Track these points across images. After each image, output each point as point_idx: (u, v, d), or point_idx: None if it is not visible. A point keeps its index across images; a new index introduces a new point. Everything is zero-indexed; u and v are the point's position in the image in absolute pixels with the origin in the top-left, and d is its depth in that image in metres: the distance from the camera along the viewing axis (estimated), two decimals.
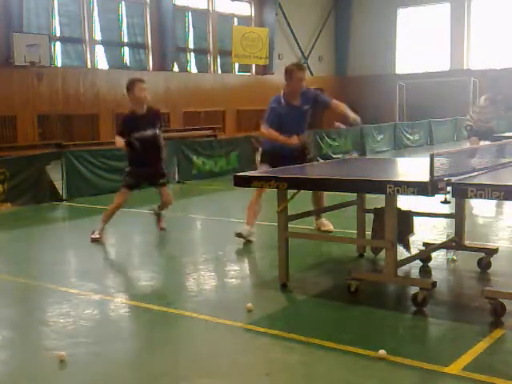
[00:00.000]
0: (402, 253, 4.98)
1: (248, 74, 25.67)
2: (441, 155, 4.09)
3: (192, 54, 23.37)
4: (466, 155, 5.14)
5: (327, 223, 6.74)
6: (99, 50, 20.30)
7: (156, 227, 7.23)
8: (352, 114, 6.25)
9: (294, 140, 6.18)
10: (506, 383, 3.13)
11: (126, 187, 6.84)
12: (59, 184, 9.99)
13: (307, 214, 5.53)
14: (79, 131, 19.08)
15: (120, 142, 6.55)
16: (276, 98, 6.34)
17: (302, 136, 6.42)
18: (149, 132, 6.72)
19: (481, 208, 8.22)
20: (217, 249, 6.48)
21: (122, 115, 7.22)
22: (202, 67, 23.58)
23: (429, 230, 6.57)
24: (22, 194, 9.48)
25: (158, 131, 6.80)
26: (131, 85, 6.85)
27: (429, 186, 3.85)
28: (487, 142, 9.40)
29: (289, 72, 6.21)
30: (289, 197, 4.82)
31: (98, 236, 6.77)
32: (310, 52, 27.93)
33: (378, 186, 4.16)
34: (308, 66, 27.80)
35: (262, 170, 5.98)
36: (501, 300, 3.99)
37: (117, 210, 6.92)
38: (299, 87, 6.26)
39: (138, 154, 6.61)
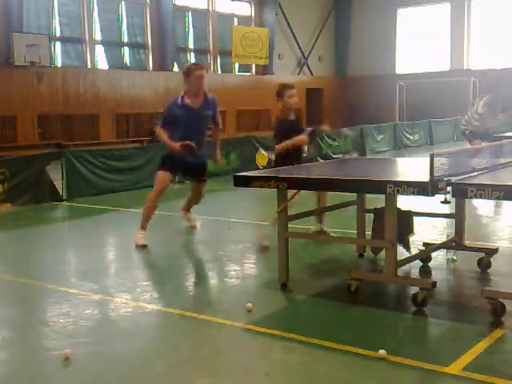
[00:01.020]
0: (402, 253, 4.98)
1: (248, 73, 25.67)
2: (441, 155, 4.09)
3: (192, 53, 23.38)
4: (466, 155, 5.14)
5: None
6: (99, 50, 20.31)
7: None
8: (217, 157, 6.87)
9: (176, 145, 6.28)
10: (506, 383, 3.13)
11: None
12: (59, 184, 9.99)
13: (307, 214, 5.53)
14: (79, 131, 19.08)
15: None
16: (174, 99, 6.51)
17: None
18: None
19: (481, 208, 8.22)
20: (217, 249, 6.48)
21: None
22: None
23: (429, 230, 6.57)
24: (22, 193, 9.48)
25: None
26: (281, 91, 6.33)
27: (429, 186, 3.85)
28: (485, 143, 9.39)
29: (186, 71, 6.41)
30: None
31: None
32: (310, 52, 27.93)
33: (378, 186, 4.16)
34: (308, 66, 27.86)
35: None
36: (501, 300, 3.99)
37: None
38: (198, 87, 6.37)
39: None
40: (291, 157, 6.04)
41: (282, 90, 6.09)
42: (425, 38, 27.35)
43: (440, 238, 5.93)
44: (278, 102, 6.14)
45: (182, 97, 6.46)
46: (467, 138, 10.53)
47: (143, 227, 6.65)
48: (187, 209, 7.32)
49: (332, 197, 6.36)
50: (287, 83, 6.36)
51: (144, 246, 6.44)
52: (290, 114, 6.21)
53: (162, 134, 6.42)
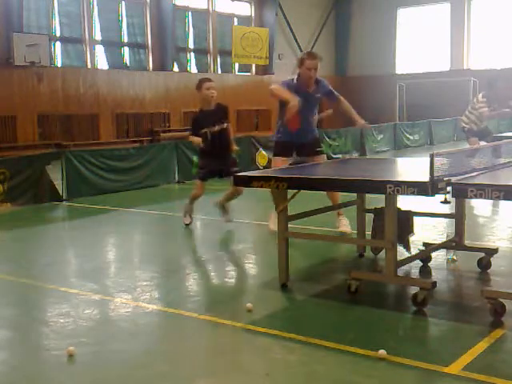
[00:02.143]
0: (402, 253, 4.98)
1: (248, 74, 25.67)
2: (441, 155, 4.09)
3: (192, 53, 23.38)
4: (466, 155, 5.14)
5: (344, 224, 6.67)
6: (99, 50, 20.31)
7: (223, 218, 7.38)
8: (359, 120, 6.63)
9: (294, 102, 6.11)
10: (505, 383, 3.13)
11: (200, 179, 7.34)
12: (59, 184, 9.98)
13: (307, 214, 5.53)
14: (79, 131, 19.09)
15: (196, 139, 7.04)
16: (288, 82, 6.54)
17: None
18: (217, 127, 7.12)
19: (481, 208, 8.22)
20: (217, 249, 6.48)
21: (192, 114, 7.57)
22: (202, 67, 23.58)
23: (429, 230, 6.57)
24: (22, 194, 9.48)
25: (225, 125, 7.20)
26: (199, 84, 7.20)
27: (429, 185, 3.85)
28: (484, 142, 9.40)
29: (299, 60, 6.53)
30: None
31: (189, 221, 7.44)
32: None
33: (378, 186, 4.15)
34: None
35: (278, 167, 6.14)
36: (501, 300, 3.99)
37: (195, 199, 7.40)
38: (309, 75, 6.41)
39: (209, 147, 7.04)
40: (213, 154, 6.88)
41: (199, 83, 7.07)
42: (425, 38, 27.36)
43: (440, 238, 5.93)
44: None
45: (297, 82, 6.54)
46: (466, 135, 10.59)
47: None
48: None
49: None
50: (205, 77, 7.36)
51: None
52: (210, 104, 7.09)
53: (281, 89, 6.34)
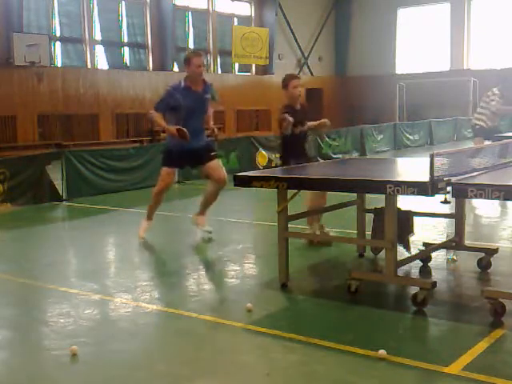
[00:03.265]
0: (402, 253, 4.98)
1: (248, 73, 25.68)
2: (441, 155, 4.09)
3: None
4: (466, 155, 5.14)
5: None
6: (99, 50, 20.32)
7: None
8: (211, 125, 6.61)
9: (173, 131, 6.21)
10: (505, 383, 3.13)
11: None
12: (59, 184, 9.98)
13: (307, 214, 5.53)
14: (79, 131, 19.09)
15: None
16: (174, 84, 6.49)
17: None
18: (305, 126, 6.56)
19: (481, 208, 8.22)
20: (217, 249, 6.48)
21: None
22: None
23: (429, 230, 6.57)
24: (22, 194, 9.48)
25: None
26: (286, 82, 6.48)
27: (429, 185, 3.85)
28: (488, 142, 9.37)
29: (186, 59, 6.41)
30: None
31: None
32: (310, 52, 27.94)
33: (378, 186, 4.15)
34: (308, 66, 27.86)
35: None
36: (501, 300, 3.99)
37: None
38: (198, 73, 6.37)
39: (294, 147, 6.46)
40: (296, 153, 6.13)
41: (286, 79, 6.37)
42: (425, 38, 27.36)
43: (440, 238, 5.93)
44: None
45: (184, 81, 6.47)
46: (474, 133, 10.52)
47: (149, 218, 6.90)
48: (203, 211, 6.89)
49: (332, 197, 6.35)
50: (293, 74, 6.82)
51: (142, 239, 6.73)
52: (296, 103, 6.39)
53: (158, 119, 6.44)
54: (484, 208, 8.24)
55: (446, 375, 3.24)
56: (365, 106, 27.54)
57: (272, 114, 25.29)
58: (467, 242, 5.38)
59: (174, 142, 6.50)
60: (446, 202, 4.07)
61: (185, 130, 6.23)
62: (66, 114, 18.66)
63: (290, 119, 5.98)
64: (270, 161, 13.88)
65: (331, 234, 6.33)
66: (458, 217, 5.31)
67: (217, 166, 6.70)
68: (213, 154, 6.74)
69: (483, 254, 5.19)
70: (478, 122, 10.25)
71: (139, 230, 6.82)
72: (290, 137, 6.18)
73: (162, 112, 6.44)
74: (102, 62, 20.40)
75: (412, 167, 5.67)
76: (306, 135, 6.63)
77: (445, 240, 5.37)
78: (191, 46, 23.21)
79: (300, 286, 4.92)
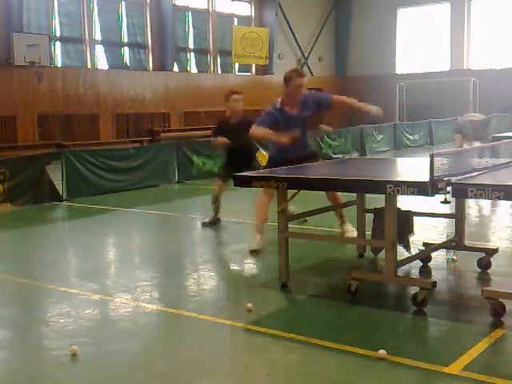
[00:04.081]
0: (402, 253, 4.98)
1: (248, 73, 25.67)
2: (441, 155, 4.09)
3: (192, 53, 23.37)
4: (466, 155, 5.14)
5: (351, 230, 6.13)
6: (99, 50, 20.30)
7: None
8: (370, 107, 5.89)
9: (285, 138, 5.67)
10: (505, 383, 3.13)
11: None
12: (59, 184, 9.99)
13: (307, 214, 5.53)
14: (79, 131, 19.08)
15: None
16: (273, 104, 5.99)
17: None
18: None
19: (481, 208, 8.22)
20: (217, 249, 6.48)
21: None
22: (202, 67, 23.59)
23: (429, 230, 6.57)
24: (22, 194, 9.48)
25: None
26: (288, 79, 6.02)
27: (429, 185, 3.85)
28: (477, 143, 9.44)
29: (287, 79, 5.81)
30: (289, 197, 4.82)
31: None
32: (310, 52, 27.94)
33: (378, 186, 4.16)
34: (308, 67, 27.84)
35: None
36: (501, 300, 3.99)
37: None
38: (298, 95, 5.84)
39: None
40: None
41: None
42: (425, 38, 27.35)
43: (440, 238, 5.93)
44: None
45: (282, 104, 5.95)
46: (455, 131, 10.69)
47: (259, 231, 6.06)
48: (341, 219, 6.18)
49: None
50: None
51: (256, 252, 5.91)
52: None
53: (263, 131, 5.85)
54: (484, 208, 8.24)
55: (445, 375, 3.24)
56: None
57: None
58: (467, 242, 5.38)
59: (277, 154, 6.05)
60: (445, 202, 4.07)
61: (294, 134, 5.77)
62: (66, 114, 18.65)
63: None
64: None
65: (331, 234, 6.32)
66: (458, 217, 5.31)
67: None
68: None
69: (483, 254, 5.19)
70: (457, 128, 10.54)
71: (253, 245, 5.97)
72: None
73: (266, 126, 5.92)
74: (102, 62, 20.39)
75: (412, 167, 5.67)
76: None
77: (445, 240, 5.37)
78: (191, 45, 23.21)
79: (300, 286, 4.92)
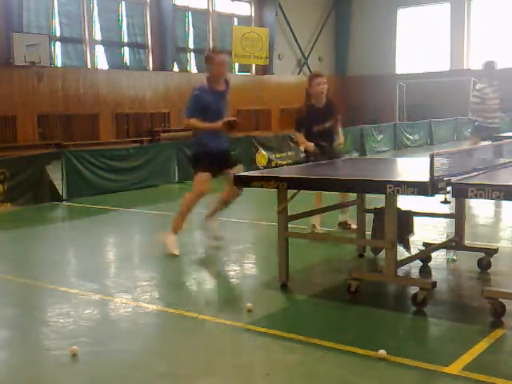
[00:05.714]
0: (402, 253, 4.98)
1: (248, 73, 25.66)
2: (441, 155, 4.09)
3: (192, 53, 23.37)
4: (466, 155, 5.14)
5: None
6: (99, 50, 20.30)
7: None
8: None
9: (219, 124, 5.87)
10: (505, 383, 3.13)
11: None
12: (59, 184, 9.98)
13: (307, 214, 5.53)
14: (79, 131, 19.07)
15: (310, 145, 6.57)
16: (199, 86, 6.09)
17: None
18: (327, 124, 6.67)
19: (481, 208, 8.21)
20: (217, 249, 6.47)
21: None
22: (202, 67, 23.56)
23: (429, 230, 6.57)
24: (22, 194, 9.47)
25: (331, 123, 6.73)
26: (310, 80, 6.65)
27: (429, 185, 3.85)
28: (487, 142, 9.35)
29: (208, 59, 6.04)
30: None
31: None
32: (309, 52, 27.93)
33: (378, 186, 4.16)
34: (308, 66, 27.84)
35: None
36: (501, 300, 3.99)
37: None
38: (222, 73, 6.04)
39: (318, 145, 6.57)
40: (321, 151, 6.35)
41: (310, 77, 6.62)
42: (425, 38, 27.35)
43: (440, 238, 5.93)
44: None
45: (208, 83, 6.09)
46: (472, 130, 10.52)
47: (175, 230, 6.16)
48: (212, 213, 6.44)
49: (332, 197, 6.36)
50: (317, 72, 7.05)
51: (175, 256, 5.99)
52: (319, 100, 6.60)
53: (195, 122, 5.95)
54: (484, 208, 8.24)
55: (445, 375, 3.24)
56: (365, 105, 27.53)
57: (272, 114, 25.32)
58: (467, 242, 5.38)
59: (211, 143, 6.10)
60: (445, 201, 4.07)
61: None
62: (66, 114, 18.64)
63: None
64: (270, 161, 13.87)
65: (331, 234, 6.33)
66: (458, 217, 5.31)
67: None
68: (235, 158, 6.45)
69: (483, 254, 5.19)
70: (473, 116, 10.30)
71: (168, 247, 6.08)
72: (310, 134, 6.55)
73: None
74: (102, 62, 20.39)
75: (412, 167, 5.67)
76: (330, 132, 6.72)
77: (445, 240, 5.37)
78: (191, 45, 23.21)
79: (300, 286, 4.92)
